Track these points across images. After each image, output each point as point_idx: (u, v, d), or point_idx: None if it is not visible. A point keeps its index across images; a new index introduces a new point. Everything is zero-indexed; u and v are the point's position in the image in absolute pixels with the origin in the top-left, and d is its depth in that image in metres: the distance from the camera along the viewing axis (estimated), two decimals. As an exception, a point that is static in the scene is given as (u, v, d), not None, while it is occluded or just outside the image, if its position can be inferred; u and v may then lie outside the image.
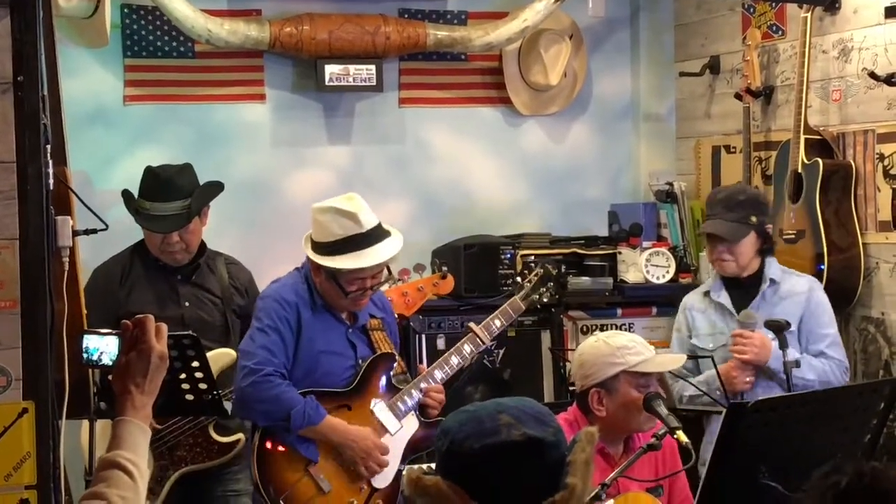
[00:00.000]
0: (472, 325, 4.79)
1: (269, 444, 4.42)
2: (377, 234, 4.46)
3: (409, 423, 4.55)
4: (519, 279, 5.05)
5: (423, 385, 4.57)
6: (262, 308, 4.50)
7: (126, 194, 5.16)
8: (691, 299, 5.14)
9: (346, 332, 4.54)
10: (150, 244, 5.13)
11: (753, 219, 4.91)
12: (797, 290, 4.93)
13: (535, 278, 4.97)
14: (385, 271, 4.61)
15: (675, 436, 3.74)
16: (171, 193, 5.06)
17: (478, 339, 4.73)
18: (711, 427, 4.86)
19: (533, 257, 6.22)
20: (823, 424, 3.58)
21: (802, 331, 4.82)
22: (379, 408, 4.49)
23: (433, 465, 2.28)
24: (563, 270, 5.22)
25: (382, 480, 4.48)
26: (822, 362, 4.82)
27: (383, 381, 4.54)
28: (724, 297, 4.99)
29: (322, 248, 4.44)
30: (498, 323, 4.80)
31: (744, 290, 4.96)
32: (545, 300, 5.01)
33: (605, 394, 3.90)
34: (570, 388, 5.89)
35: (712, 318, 5.01)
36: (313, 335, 4.46)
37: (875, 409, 3.65)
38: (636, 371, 3.89)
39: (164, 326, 2.60)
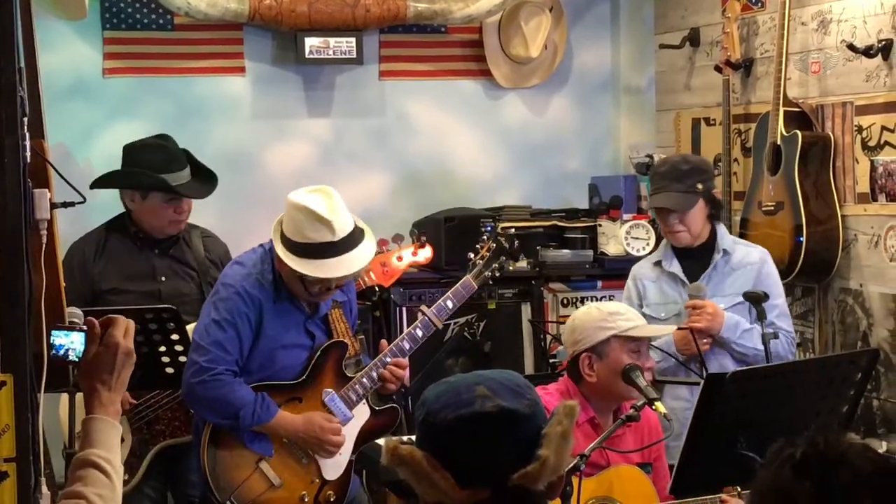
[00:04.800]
0: (423, 308, 4.68)
1: (218, 440, 4.35)
2: (350, 242, 4.29)
3: (361, 413, 4.50)
4: (471, 255, 4.85)
5: (374, 374, 4.48)
6: (222, 298, 4.36)
7: (135, 178, 5.06)
8: (641, 269, 5.13)
9: (304, 322, 4.44)
10: (154, 218, 5.05)
11: (700, 186, 4.91)
12: (749, 261, 4.94)
13: (488, 254, 4.83)
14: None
15: (654, 407, 3.77)
16: (182, 162, 5.08)
17: (430, 323, 4.61)
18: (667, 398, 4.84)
19: (513, 230, 6.22)
20: (801, 395, 3.60)
21: None
22: (330, 398, 4.42)
23: (412, 437, 2.29)
24: (515, 244, 4.93)
25: (333, 471, 4.44)
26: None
27: (334, 370, 4.46)
28: (675, 267, 4.99)
29: (292, 245, 4.28)
30: (450, 304, 4.67)
31: (695, 259, 4.97)
32: (497, 275, 4.88)
33: (596, 358, 3.94)
34: (551, 360, 5.94)
35: (664, 288, 5.01)
36: (272, 330, 4.36)
37: (853, 379, 3.68)
38: (627, 336, 3.93)
39: (132, 323, 2.59)
